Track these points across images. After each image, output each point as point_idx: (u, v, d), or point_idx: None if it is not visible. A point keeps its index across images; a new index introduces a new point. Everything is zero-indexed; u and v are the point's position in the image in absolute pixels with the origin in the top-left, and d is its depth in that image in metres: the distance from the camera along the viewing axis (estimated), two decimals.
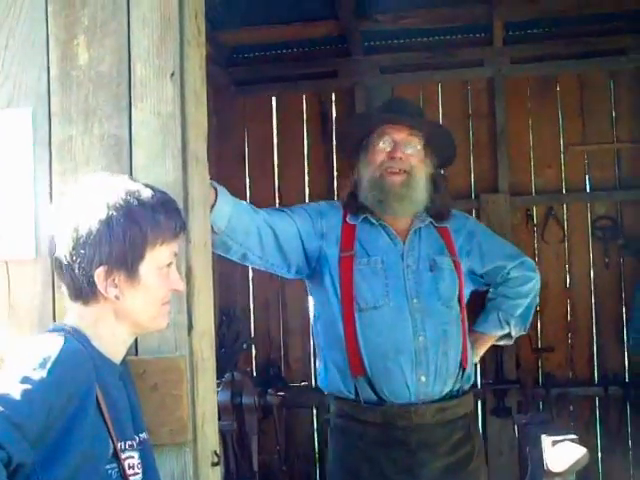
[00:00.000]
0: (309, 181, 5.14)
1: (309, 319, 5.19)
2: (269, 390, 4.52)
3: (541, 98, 4.96)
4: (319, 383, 2.81)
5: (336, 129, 4.89)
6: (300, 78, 5.11)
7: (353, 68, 5.00)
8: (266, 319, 5.13)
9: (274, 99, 5.20)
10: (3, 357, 1.59)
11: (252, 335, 5.13)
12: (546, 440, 3.52)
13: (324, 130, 5.13)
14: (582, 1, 4.58)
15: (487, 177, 4.83)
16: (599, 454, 4.72)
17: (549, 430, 3.67)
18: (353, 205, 2.74)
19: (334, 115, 5.14)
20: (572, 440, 3.49)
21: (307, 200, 4.88)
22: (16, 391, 1.32)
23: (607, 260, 4.82)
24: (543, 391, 4.71)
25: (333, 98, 5.15)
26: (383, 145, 2.68)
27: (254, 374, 4.99)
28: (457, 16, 4.80)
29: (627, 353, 4.78)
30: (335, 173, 5.10)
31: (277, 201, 5.02)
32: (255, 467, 4.37)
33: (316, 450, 5.02)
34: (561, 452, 3.43)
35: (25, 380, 1.35)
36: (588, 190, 4.92)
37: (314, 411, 5.01)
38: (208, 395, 1.86)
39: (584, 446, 3.43)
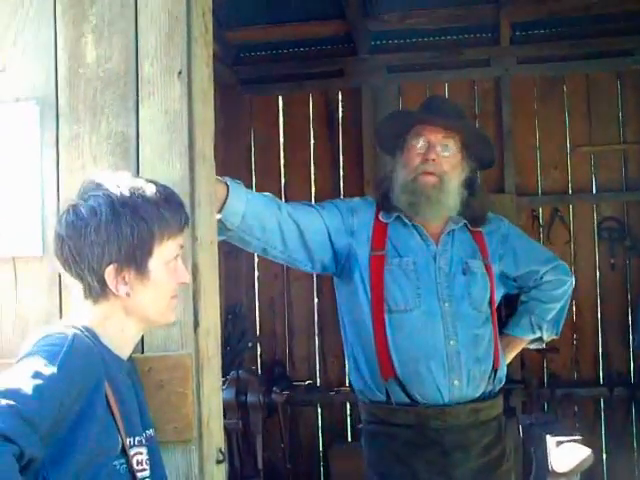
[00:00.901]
0: (315, 180, 5.14)
1: (314, 318, 5.26)
2: (274, 388, 4.53)
3: (548, 98, 4.96)
4: (351, 381, 2.74)
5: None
6: (307, 77, 5.12)
7: (360, 67, 5.01)
8: (272, 318, 5.14)
9: (280, 98, 5.21)
10: (13, 353, 1.60)
11: (257, 334, 5.14)
12: (551, 440, 3.52)
13: (330, 129, 5.14)
14: (589, 2, 4.58)
15: (493, 177, 4.81)
16: (604, 455, 4.72)
17: (554, 430, 3.67)
18: (386, 205, 2.68)
19: (340, 114, 5.15)
20: (577, 441, 3.49)
21: (313, 200, 4.87)
22: (27, 386, 1.32)
23: (613, 261, 4.82)
24: (548, 391, 4.71)
25: (340, 97, 5.16)
26: (418, 146, 2.59)
27: (259, 372, 5.00)
28: (464, 16, 4.82)
29: (632, 354, 4.78)
30: (341, 173, 5.11)
31: (282, 200, 5.00)
32: (260, 465, 4.38)
33: (320, 448, 5.03)
34: (565, 453, 3.44)
35: (36, 375, 1.35)
36: (594, 191, 4.92)
37: (319, 410, 5.02)
38: (213, 393, 1.86)
39: (589, 447, 3.43)
